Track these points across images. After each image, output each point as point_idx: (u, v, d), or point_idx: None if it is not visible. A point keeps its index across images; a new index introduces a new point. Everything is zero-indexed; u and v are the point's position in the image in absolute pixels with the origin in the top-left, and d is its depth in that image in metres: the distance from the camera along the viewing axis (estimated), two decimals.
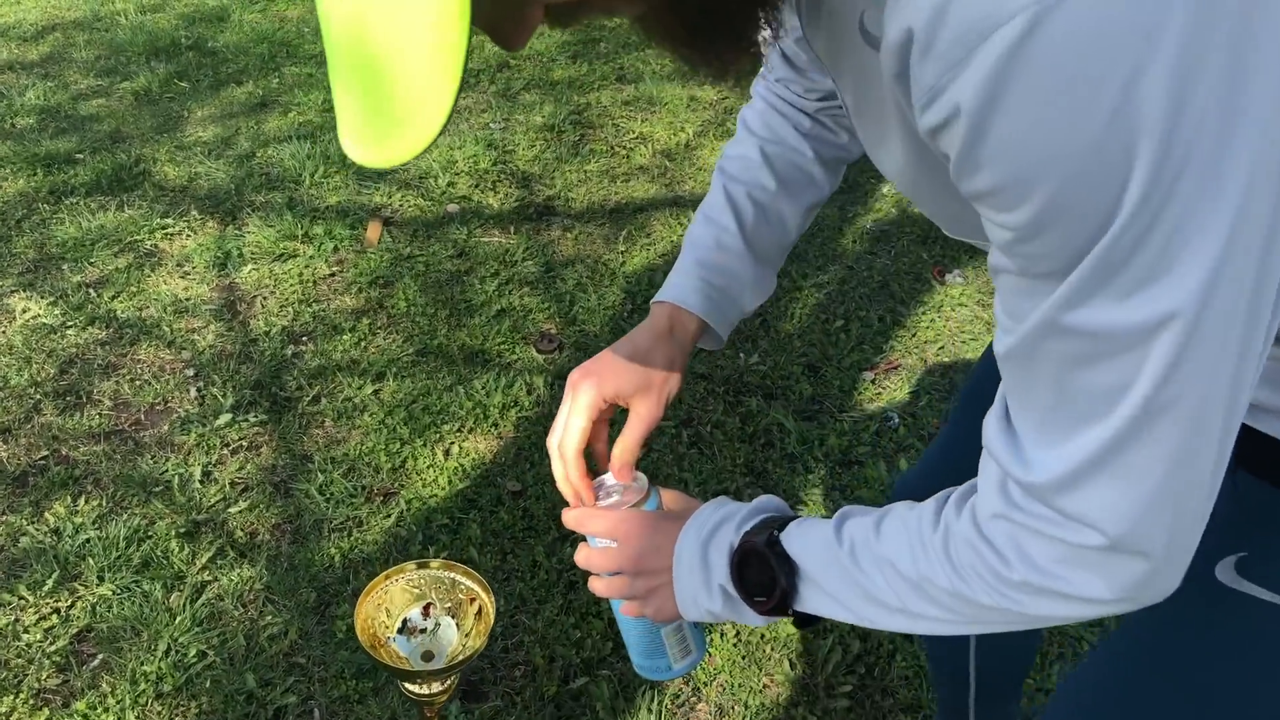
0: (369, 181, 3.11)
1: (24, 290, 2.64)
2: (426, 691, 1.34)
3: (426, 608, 1.35)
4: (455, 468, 2.15)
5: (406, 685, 1.28)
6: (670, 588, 0.87)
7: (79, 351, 2.44)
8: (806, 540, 0.79)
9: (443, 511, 2.05)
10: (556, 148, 3.29)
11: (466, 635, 1.34)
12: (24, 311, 2.56)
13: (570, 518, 0.99)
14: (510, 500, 2.09)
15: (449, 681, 1.33)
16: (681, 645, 1.03)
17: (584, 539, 1.01)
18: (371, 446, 2.20)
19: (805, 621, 0.84)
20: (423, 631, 1.35)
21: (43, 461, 2.15)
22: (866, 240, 2.84)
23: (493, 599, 1.32)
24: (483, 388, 2.36)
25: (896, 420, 2.26)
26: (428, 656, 1.35)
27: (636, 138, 3.36)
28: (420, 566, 1.34)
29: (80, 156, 3.24)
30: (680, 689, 1.72)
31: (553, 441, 0.99)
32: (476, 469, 2.16)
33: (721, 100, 3.55)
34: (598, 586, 0.98)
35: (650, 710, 1.68)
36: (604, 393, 0.94)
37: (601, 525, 0.95)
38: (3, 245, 2.82)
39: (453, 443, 2.22)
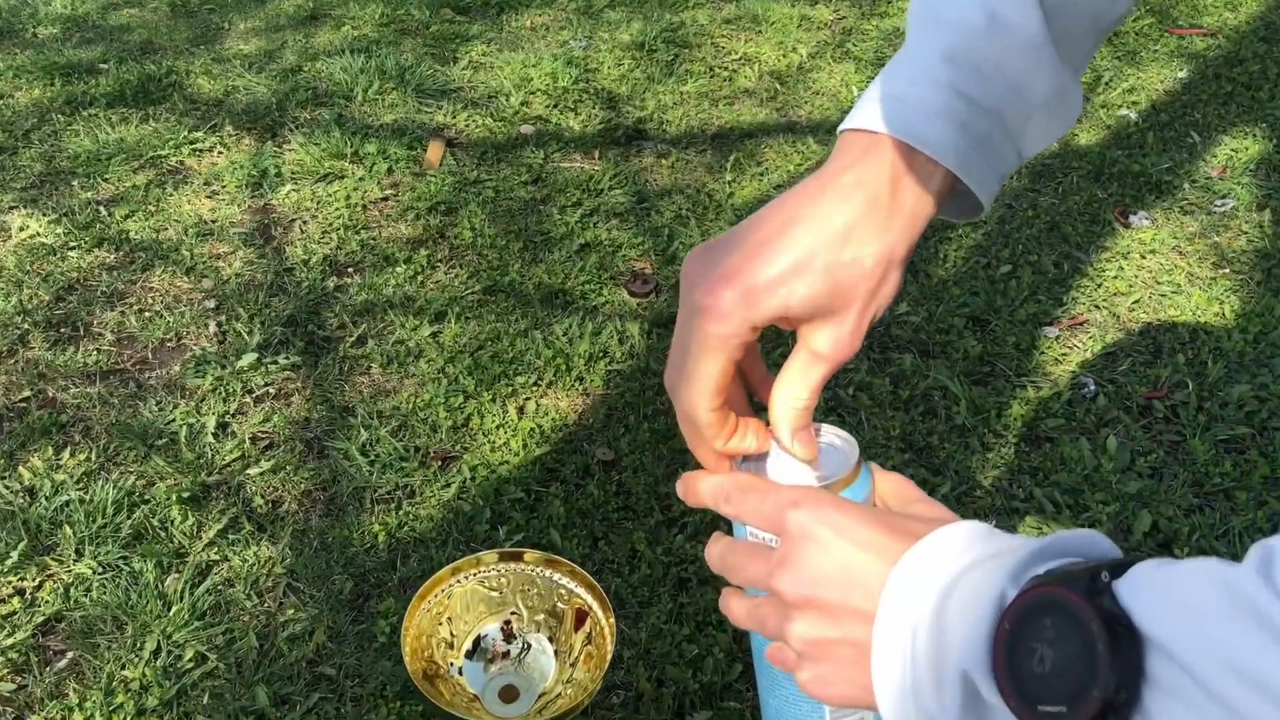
0: (430, 99, 2.66)
1: (25, 206, 2.23)
2: None
3: (509, 623, 0.90)
4: (531, 429, 1.70)
5: None
6: (861, 651, 0.47)
7: (80, 276, 2.03)
8: (1175, 598, 0.40)
9: (516, 483, 1.61)
10: (647, 67, 2.83)
11: (571, 664, 0.89)
12: (21, 230, 2.15)
13: (706, 487, 0.54)
14: (601, 472, 1.64)
15: None
16: None
17: (724, 523, 0.56)
18: (428, 400, 1.75)
19: None
20: (505, 657, 0.90)
21: (23, 403, 1.74)
22: (1024, 175, 2.34)
23: (612, 615, 0.87)
24: (564, 334, 1.90)
25: (1093, 388, 1.77)
26: (509, 694, 0.90)
27: (740, 59, 2.88)
28: (506, 558, 0.90)
29: (104, 66, 2.84)
30: None
31: (675, 381, 0.55)
32: (558, 431, 1.71)
33: (839, 20, 3.05)
34: (735, 610, 0.54)
35: None
36: (760, 313, 0.50)
37: (761, 506, 0.51)
38: (6, 158, 2.42)
39: (528, 398, 1.78)
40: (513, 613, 0.89)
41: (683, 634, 1.38)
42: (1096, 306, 1.96)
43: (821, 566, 0.47)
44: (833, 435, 0.57)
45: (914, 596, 0.45)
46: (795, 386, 0.52)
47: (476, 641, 0.88)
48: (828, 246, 0.48)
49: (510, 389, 1.79)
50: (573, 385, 1.80)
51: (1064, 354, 1.86)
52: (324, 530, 1.53)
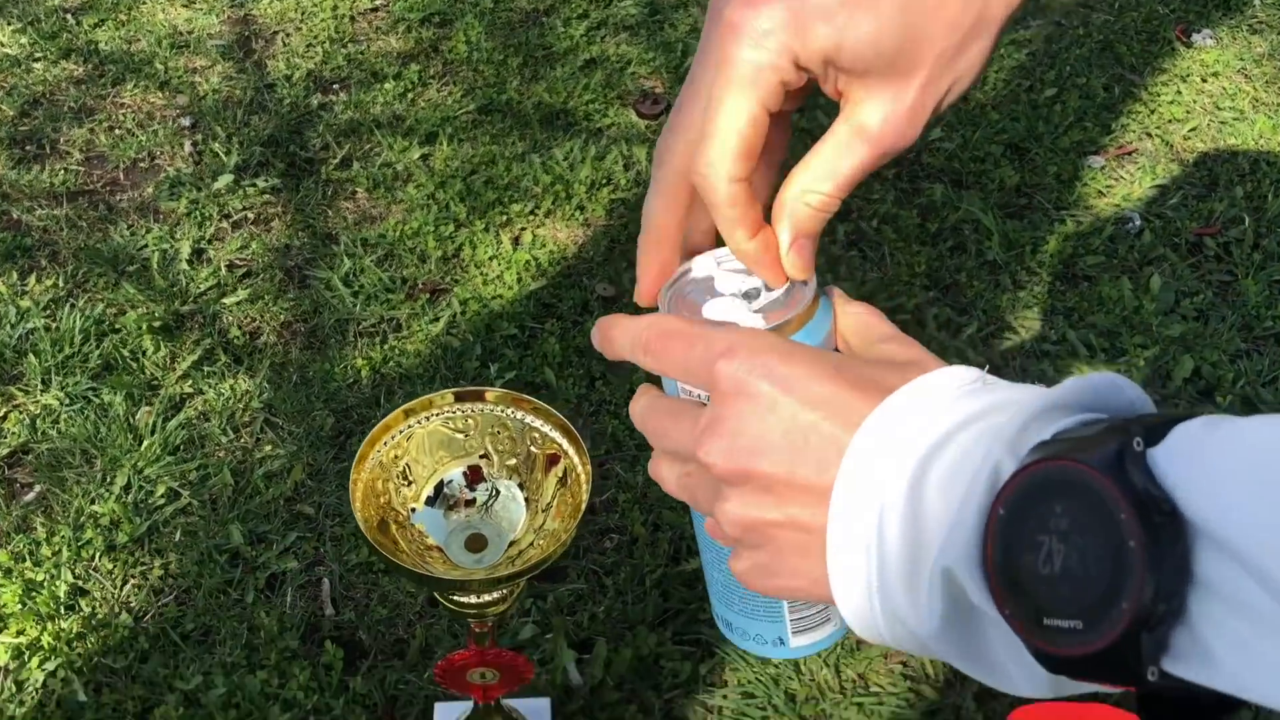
0: None
1: None
2: (474, 600, 0.81)
3: (475, 469, 0.81)
4: (527, 261, 1.59)
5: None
6: (812, 536, 0.36)
7: (47, 90, 1.88)
8: (1235, 470, 0.28)
9: (510, 318, 1.50)
10: None
11: (543, 511, 0.80)
12: None
13: (624, 336, 0.42)
14: (601, 308, 1.53)
15: (513, 589, 0.81)
16: (813, 611, 0.50)
17: (653, 380, 0.44)
18: (416, 227, 1.63)
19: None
20: (469, 505, 0.81)
21: None
22: None
23: (587, 458, 0.77)
24: (565, 158, 1.76)
25: (1139, 223, 1.62)
26: (476, 543, 0.81)
27: None
28: (464, 398, 0.80)
29: None
30: None
31: (667, 143, 0.43)
32: (556, 264, 1.59)
33: None
34: (665, 478, 0.42)
35: None
36: (808, 42, 0.37)
37: (688, 356, 0.39)
38: None
39: (524, 228, 1.65)
40: (482, 456, 0.80)
41: None
42: (1148, 134, 1.79)
43: (760, 432, 0.36)
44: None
45: (881, 469, 0.35)
46: (821, 170, 0.39)
47: (438, 487, 0.79)
48: None
49: (505, 217, 1.66)
50: (573, 215, 1.67)
51: (1109, 186, 1.70)
52: (304, 364, 1.44)
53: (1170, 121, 1.81)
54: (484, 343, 1.47)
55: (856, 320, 0.44)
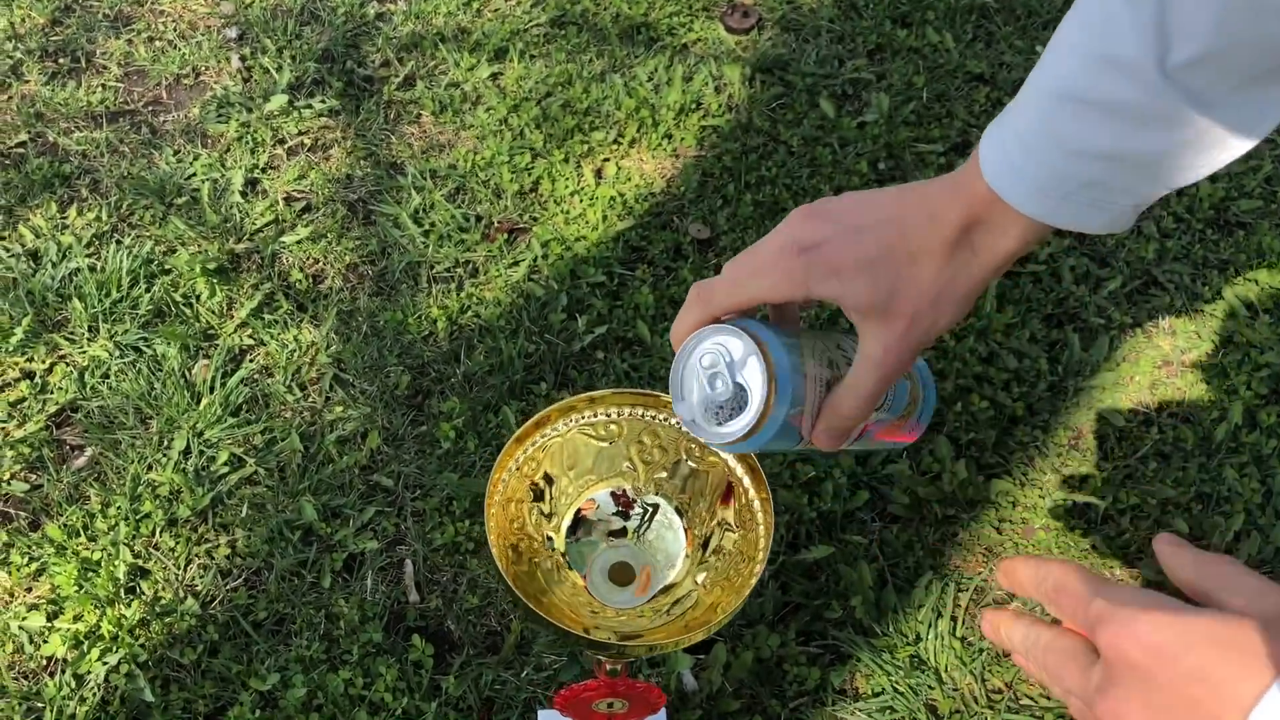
0: None
1: None
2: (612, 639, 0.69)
3: (623, 494, 0.68)
4: (611, 197, 1.43)
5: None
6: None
7: None
8: None
9: (595, 263, 1.35)
10: None
11: (701, 547, 0.68)
12: None
13: (1025, 574, 0.48)
14: (696, 252, 1.38)
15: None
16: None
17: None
18: (489, 157, 1.48)
19: None
20: (616, 535, 0.68)
21: (19, 149, 1.49)
22: None
23: (765, 487, 0.64)
24: (649, 79, 1.59)
25: None
26: (622, 574, 0.69)
27: None
28: (618, 402, 0.66)
29: None
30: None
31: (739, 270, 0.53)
32: (642, 201, 1.44)
33: None
34: (1062, 692, 0.46)
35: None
36: (819, 291, 0.51)
37: (1075, 611, 0.44)
38: None
39: (606, 159, 1.49)
40: (627, 465, 0.67)
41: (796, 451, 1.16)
42: None
43: (1149, 706, 0.39)
44: (744, 374, 0.50)
45: None
46: (848, 388, 0.51)
47: (578, 514, 0.66)
48: (897, 259, 0.49)
49: (585, 146, 1.50)
50: (659, 144, 1.51)
51: None
52: (374, 312, 1.31)
53: None
54: (569, 291, 1.33)
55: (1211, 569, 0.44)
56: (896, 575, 1.09)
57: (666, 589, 0.65)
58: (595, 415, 0.67)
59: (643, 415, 0.67)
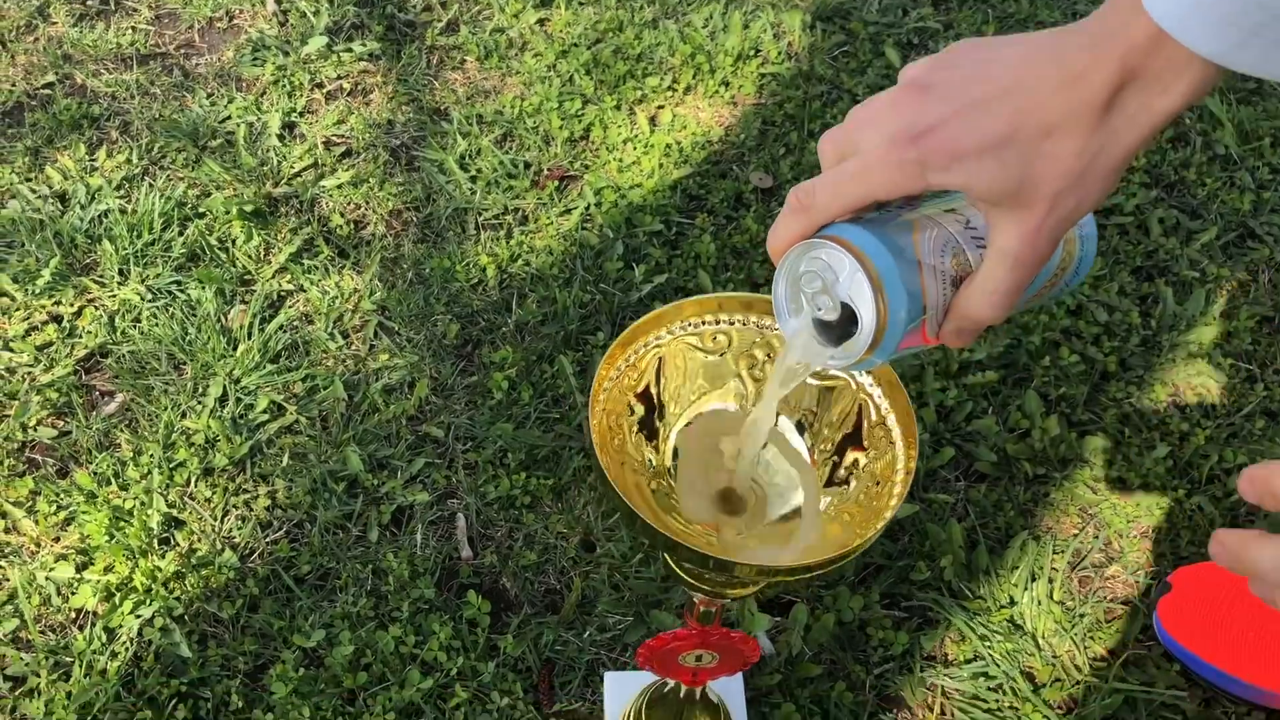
0: None
1: None
2: (720, 579, 0.62)
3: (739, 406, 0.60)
4: (667, 145, 1.36)
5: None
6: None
7: None
8: None
9: (653, 211, 1.28)
10: None
11: (828, 464, 0.60)
12: None
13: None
14: (759, 201, 1.31)
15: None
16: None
17: None
18: (537, 103, 1.40)
19: None
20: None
21: (47, 90, 1.42)
22: None
23: (910, 408, 0.57)
24: (704, 25, 1.51)
25: None
26: (731, 503, 0.61)
27: None
28: (728, 308, 0.59)
29: None
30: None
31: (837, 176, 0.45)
32: (700, 149, 1.36)
33: None
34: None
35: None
36: (936, 182, 0.43)
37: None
38: None
39: (661, 106, 1.42)
40: (736, 383, 0.59)
41: None
42: None
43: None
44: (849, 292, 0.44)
45: None
46: (976, 287, 0.44)
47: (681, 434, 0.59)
48: (1029, 136, 0.42)
49: (639, 93, 1.42)
50: (716, 91, 1.43)
51: None
52: (419, 259, 1.24)
53: None
54: (625, 240, 1.25)
55: None
56: (987, 535, 1.01)
57: (784, 518, 0.57)
58: (701, 324, 0.59)
59: (756, 324, 0.59)
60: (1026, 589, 0.97)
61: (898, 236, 0.44)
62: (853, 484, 0.56)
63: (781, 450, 0.59)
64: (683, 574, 0.61)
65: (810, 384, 0.59)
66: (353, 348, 1.16)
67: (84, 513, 1.00)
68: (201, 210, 1.27)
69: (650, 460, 0.59)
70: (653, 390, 0.58)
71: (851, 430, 0.57)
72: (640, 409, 0.58)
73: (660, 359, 0.58)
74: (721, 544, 0.55)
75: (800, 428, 0.59)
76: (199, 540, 1.00)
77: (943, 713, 0.91)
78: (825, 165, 0.46)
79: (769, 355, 0.60)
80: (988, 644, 0.94)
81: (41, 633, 0.94)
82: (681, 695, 0.81)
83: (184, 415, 1.09)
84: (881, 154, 0.43)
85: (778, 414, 0.59)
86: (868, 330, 0.44)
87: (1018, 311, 0.49)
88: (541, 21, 1.53)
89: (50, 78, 1.43)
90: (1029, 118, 0.42)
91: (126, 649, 0.93)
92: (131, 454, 1.06)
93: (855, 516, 0.55)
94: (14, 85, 1.42)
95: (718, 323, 0.59)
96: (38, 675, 0.91)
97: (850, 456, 0.57)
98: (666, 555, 0.62)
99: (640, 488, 0.57)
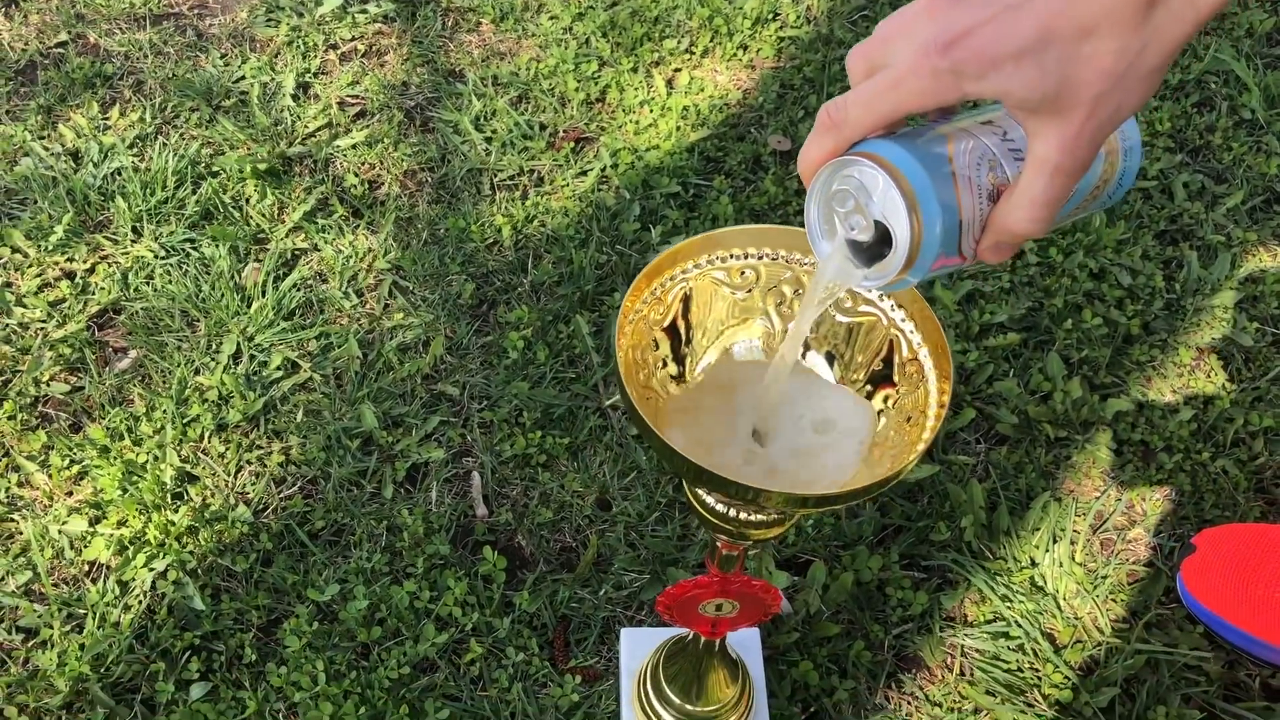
0: None
1: None
2: (744, 517, 0.61)
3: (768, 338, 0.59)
4: (684, 108, 1.34)
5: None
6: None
7: None
8: None
9: (670, 173, 1.26)
10: None
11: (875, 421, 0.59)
12: None
13: None
14: (778, 164, 1.29)
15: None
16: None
17: None
18: (553, 65, 1.39)
19: None
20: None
21: (59, 49, 1.41)
22: None
23: (943, 341, 0.55)
24: None
25: None
26: (760, 438, 0.60)
27: None
28: (755, 242, 0.58)
29: None
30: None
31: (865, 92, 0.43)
32: (718, 112, 1.34)
33: None
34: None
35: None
36: (971, 91, 0.41)
37: None
38: None
39: (678, 69, 1.40)
40: (763, 321, 0.58)
41: None
42: None
43: None
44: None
45: None
46: (1017, 200, 0.42)
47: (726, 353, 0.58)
48: (1067, 37, 0.40)
49: (655, 56, 1.41)
50: (734, 54, 1.42)
51: None
52: (434, 219, 1.22)
53: None
54: (642, 201, 1.24)
55: None
56: (1008, 497, 1.00)
57: (812, 447, 0.56)
58: (727, 258, 0.58)
59: (784, 259, 0.58)
60: (1048, 550, 0.96)
61: (932, 150, 0.43)
62: (883, 420, 0.55)
63: (816, 383, 0.57)
64: (706, 513, 0.60)
65: (840, 320, 0.58)
66: (367, 306, 1.15)
67: (97, 467, 1.00)
68: (215, 169, 1.26)
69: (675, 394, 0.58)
70: (679, 324, 0.57)
71: (882, 366, 0.56)
72: (665, 345, 0.57)
73: (687, 294, 0.57)
74: (748, 475, 0.54)
75: (830, 359, 0.58)
76: (212, 495, 1.00)
77: (962, 673, 0.90)
78: (854, 81, 0.44)
79: (797, 291, 0.59)
80: (1009, 604, 0.93)
81: (55, 585, 0.94)
82: (701, 646, 0.80)
83: (197, 371, 1.08)
84: (914, 64, 0.41)
85: (807, 347, 0.58)
86: (902, 247, 0.43)
87: (1058, 226, 0.47)
88: None
89: (63, 36, 1.41)
90: (1066, 19, 0.40)
91: (140, 602, 0.92)
92: (145, 409, 1.05)
93: (883, 455, 0.54)
94: (27, 44, 1.41)
95: (745, 256, 0.58)
96: (50, 627, 0.91)
97: (881, 393, 0.56)
98: (691, 495, 0.61)
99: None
